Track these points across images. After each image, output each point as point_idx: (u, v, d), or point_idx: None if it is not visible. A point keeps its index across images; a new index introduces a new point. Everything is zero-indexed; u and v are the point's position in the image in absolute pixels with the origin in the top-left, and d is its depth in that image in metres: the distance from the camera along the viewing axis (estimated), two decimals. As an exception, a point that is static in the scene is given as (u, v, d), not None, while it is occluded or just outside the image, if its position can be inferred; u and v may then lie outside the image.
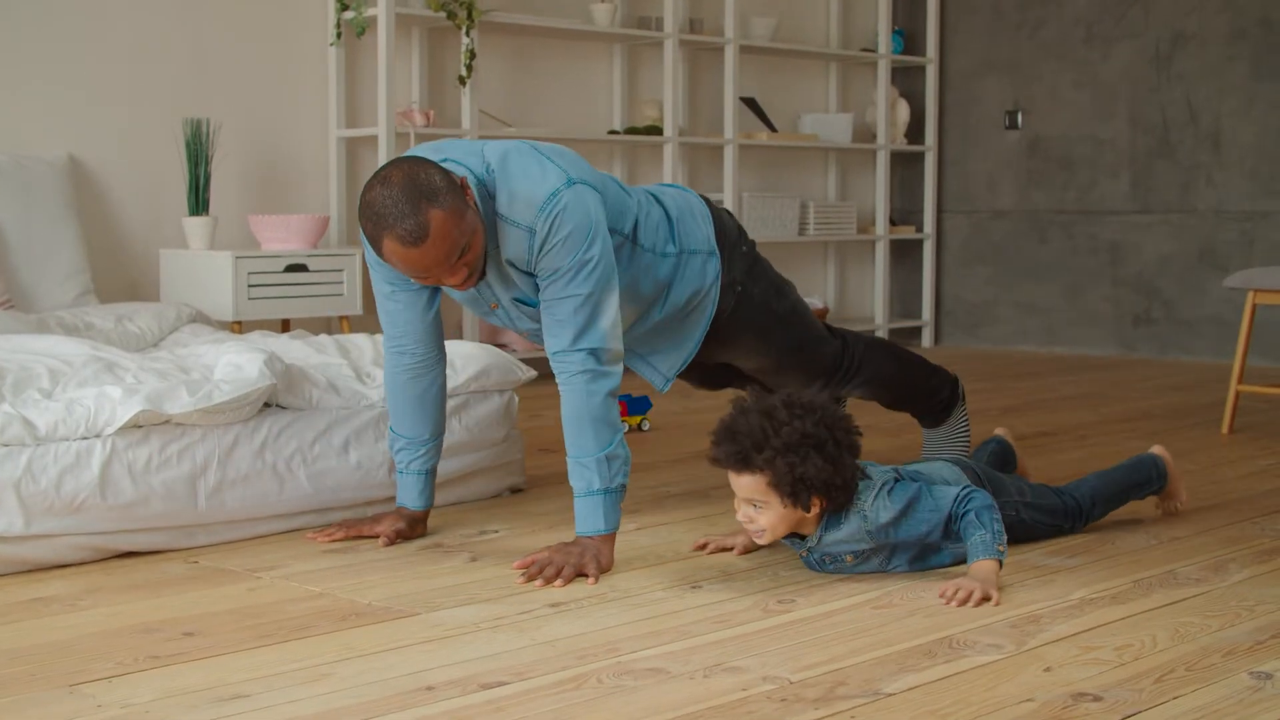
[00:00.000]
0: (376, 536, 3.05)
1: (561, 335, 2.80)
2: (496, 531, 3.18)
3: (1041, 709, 2.03)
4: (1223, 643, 2.34)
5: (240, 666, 2.22)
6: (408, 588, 2.69)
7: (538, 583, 2.70)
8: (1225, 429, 4.54)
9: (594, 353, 2.79)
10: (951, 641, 2.34)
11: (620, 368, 2.85)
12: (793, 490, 2.61)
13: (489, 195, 2.77)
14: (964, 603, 2.54)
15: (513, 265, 2.82)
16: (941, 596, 2.58)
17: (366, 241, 2.72)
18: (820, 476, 2.60)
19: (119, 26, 4.90)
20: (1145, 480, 3.18)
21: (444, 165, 2.75)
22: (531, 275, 2.83)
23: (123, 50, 4.91)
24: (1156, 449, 3.24)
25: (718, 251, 3.16)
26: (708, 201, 3.26)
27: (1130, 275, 6.79)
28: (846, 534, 2.70)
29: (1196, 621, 2.46)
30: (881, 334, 7.13)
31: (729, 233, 3.24)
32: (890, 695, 2.08)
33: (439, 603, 2.59)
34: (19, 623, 2.48)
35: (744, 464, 2.63)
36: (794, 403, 2.64)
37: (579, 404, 2.79)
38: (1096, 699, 2.06)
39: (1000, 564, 2.64)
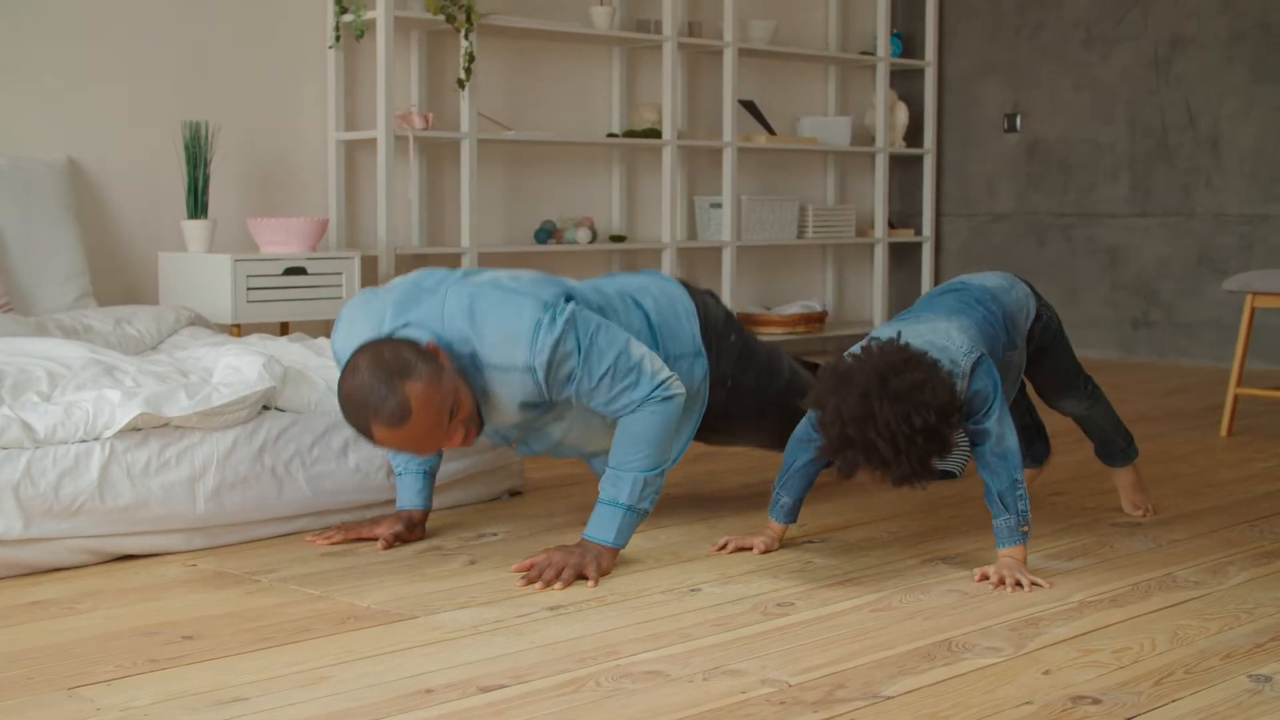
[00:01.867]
0: (375, 539, 3.05)
1: (622, 404, 2.81)
2: (495, 534, 3.18)
3: (1040, 712, 2.03)
4: (1221, 645, 2.34)
5: (239, 669, 2.22)
6: (407, 590, 2.69)
7: (538, 585, 2.71)
8: (1224, 432, 4.54)
9: (654, 392, 2.82)
10: (950, 644, 2.34)
11: (681, 385, 2.87)
12: (901, 480, 2.61)
13: (467, 353, 2.74)
14: (1016, 588, 2.65)
15: (527, 405, 2.81)
16: (984, 580, 2.69)
17: (360, 434, 2.70)
18: (931, 477, 2.60)
19: (118, 29, 4.90)
20: (1121, 438, 3.31)
21: (407, 331, 2.74)
22: (548, 403, 2.83)
23: (122, 53, 4.91)
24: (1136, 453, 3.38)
25: (704, 351, 3.10)
26: (690, 291, 3.18)
27: (1129, 278, 6.79)
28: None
29: (1195, 624, 2.46)
30: (880, 337, 7.12)
31: (715, 324, 3.16)
32: (889, 698, 2.08)
33: (438, 605, 2.59)
34: (18, 626, 2.48)
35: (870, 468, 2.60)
36: (895, 435, 2.51)
37: (640, 423, 2.82)
38: (1095, 702, 2.06)
39: (1023, 549, 2.74)
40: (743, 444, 3.44)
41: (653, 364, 2.85)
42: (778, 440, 3.26)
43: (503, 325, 2.73)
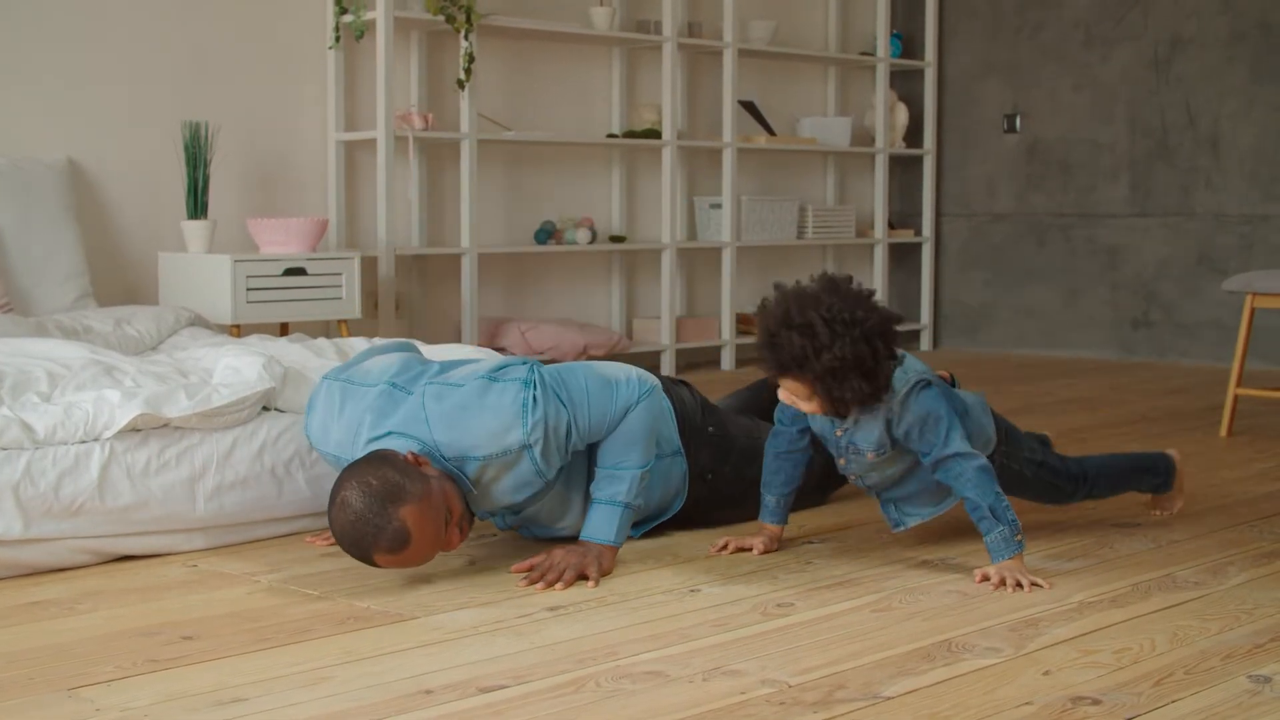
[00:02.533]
0: (375, 540, 3.05)
1: (619, 414, 2.84)
2: (495, 535, 3.17)
3: (1040, 712, 2.03)
4: (1221, 646, 2.34)
5: (239, 670, 2.22)
6: (407, 591, 2.69)
7: (539, 585, 2.71)
8: (1224, 432, 4.54)
9: (641, 393, 2.85)
10: (950, 645, 2.34)
11: (656, 383, 2.90)
12: (832, 405, 2.68)
13: (460, 457, 2.72)
14: (1017, 588, 2.65)
15: (521, 489, 2.80)
16: (984, 581, 2.69)
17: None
18: (858, 396, 2.65)
19: (118, 29, 4.90)
20: (1151, 469, 3.21)
21: (388, 440, 2.73)
22: (546, 486, 2.84)
23: (122, 53, 4.91)
24: (1172, 451, 3.29)
25: (682, 450, 3.09)
26: (665, 388, 3.14)
27: (1129, 278, 6.80)
28: (877, 426, 2.76)
29: (1195, 625, 2.46)
30: (880, 337, 7.12)
31: (691, 419, 3.14)
32: (889, 699, 2.08)
33: (438, 606, 2.59)
34: (18, 626, 2.48)
35: (784, 373, 2.66)
36: (835, 319, 2.60)
37: (630, 423, 2.83)
38: (1095, 702, 2.06)
39: (1021, 557, 2.73)
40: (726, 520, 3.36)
41: (621, 370, 2.88)
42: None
43: (491, 417, 2.71)
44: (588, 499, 2.94)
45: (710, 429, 3.17)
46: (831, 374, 2.61)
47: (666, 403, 3.09)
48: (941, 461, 2.73)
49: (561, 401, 2.76)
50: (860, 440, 2.78)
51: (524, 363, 2.82)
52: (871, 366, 2.62)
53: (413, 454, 2.67)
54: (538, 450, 2.73)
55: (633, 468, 2.84)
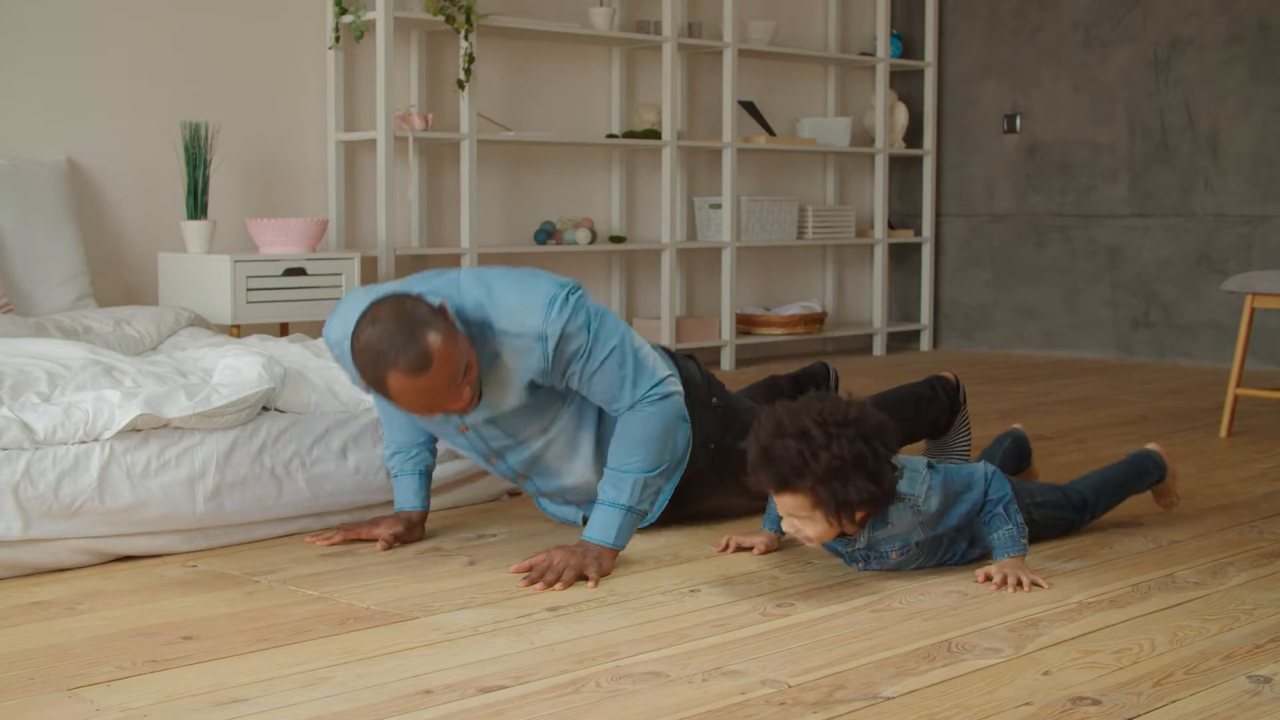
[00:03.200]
0: (375, 540, 3.05)
1: (621, 396, 2.83)
2: (495, 535, 3.18)
3: (1040, 712, 2.03)
4: (1221, 646, 2.34)
5: (239, 670, 2.22)
6: (406, 591, 2.69)
7: (538, 586, 2.71)
8: (1224, 432, 4.54)
9: (653, 389, 2.83)
10: (950, 645, 2.34)
11: (680, 388, 2.88)
12: (837, 512, 2.60)
13: (479, 320, 2.74)
14: (1017, 587, 2.65)
15: (533, 386, 2.81)
16: (986, 581, 2.68)
17: (372, 389, 2.67)
18: (863, 496, 2.59)
19: (117, 29, 4.90)
20: (1144, 472, 3.21)
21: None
22: (541, 390, 2.82)
23: (121, 53, 4.91)
24: (1151, 445, 3.28)
25: (687, 417, 3.07)
26: (672, 357, 3.14)
27: (1128, 279, 6.80)
28: (900, 528, 2.72)
29: (1195, 625, 2.46)
30: (879, 338, 7.14)
31: (697, 389, 3.13)
32: (889, 699, 2.08)
33: (437, 606, 2.59)
34: (17, 627, 2.48)
35: (785, 486, 2.60)
36: (828, 421, 2.57)
37: (638, 424, 2.83)
38: (1095, 703, 2.06)
39: (1024, 558, 2.74)
40: (728, 503, 3.31)
41: (654, 361, 2.86)
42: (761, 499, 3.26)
43: (518, 294, 2.75)
44: (598, 450, 2.95)
45: (715, 400, 3.18)
46: (834, 475, 2.56)
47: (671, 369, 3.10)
48: (984, 504, 2.75)
49: (588, 328, 2.77)
50: (884, 546, 2.76)
51: (571, 280, 2.83)
52: (874, 467, 2.58)
53: (444, 304, 2.68)
54: (551, 345, 2.73)
55: (636, 471, 2.83)
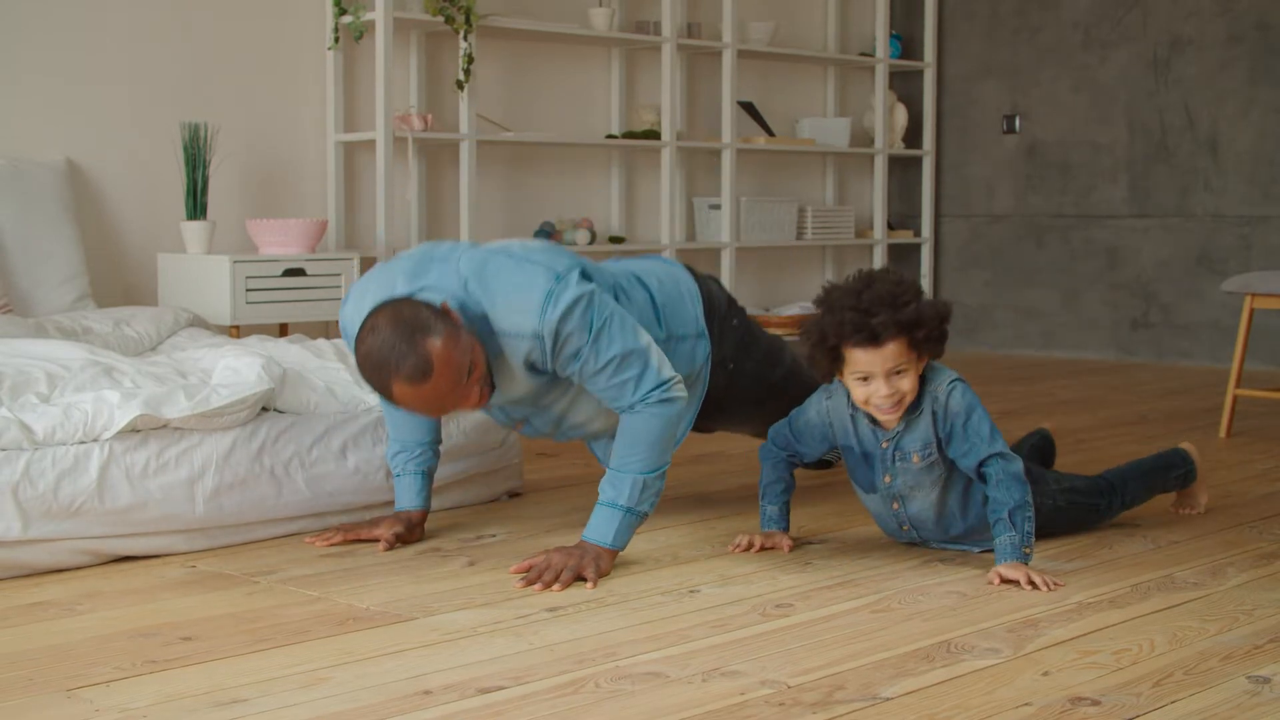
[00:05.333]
0: (375, 540, 3.05)
1: (623, 395, 2.82)
2: (494, 536, 3.17)
3: (1039, 713, 2.03)
4: (1220, 647, 2.34)
5: (238, 671, 2.22)
6: (406, 592, 2.69)
7: (537, 586, 2.70)
8: (1223, 433, 4.54)
9: (657, 389, 2.83)
10: (949, 646, 2.34)
11: (684, 389, 2.88)
12: (925, 339, 2.72)
13: (479, 315, 2.74)
14: (1030, 586, 2.66)
15: (533, 367, 2.81)
16: (1000, 583, 2.69)
17: (379, 394, 2.70)
18: (942, 324, 2.75)
19: (117, 30, 4.90)
20: (1170, 465, 3.24)
21: (422, 294, 2.74)
22: (548, 374, 2.83)
23: (121, 54, 4.91)
24: (1185, 445, 3.31)
25: (706, 333, 3.10)
26: (694, 275, 3.19)
27: (1128, 279, 6.80)
28: (924, 422, 2.79)
29: (1194, 625, 2.46)
30: (879, 338, 7.12)
31: (718, 308, 3.17)
32: (888, 699, 2.08)
33: (437, 607, 2.58)
34: (17, 627, 2.47)
35: (880, 334, 2.70)
36: (891, 279, 2.76)
37: (640, 425, 2.82)
38: (1094, 703, 2.06)
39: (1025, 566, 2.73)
40: (740, 429, 3.43)
41: (660, 362, 2.85)
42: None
43: (514, 292, 2.74)
44: None
45: (735, 321, 3.20)
46: (928, 303, 2.72)
47: (693, 287, 3.15)
48: (985, 461, 2.76)
49: (591, 324, 2.75)
50: (908, 443, 2.81)
51: (576, 263, 2.82)
52: (933, 308, 2.73)
53: (446, 304, 2.69)
54: (548, 343, 2.74)
55: (635, 472, 2.83)
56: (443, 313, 2.66)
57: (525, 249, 2.85)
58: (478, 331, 2.73)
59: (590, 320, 2.75)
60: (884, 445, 2.84)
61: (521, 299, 2.73)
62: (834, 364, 2.79)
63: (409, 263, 2.85)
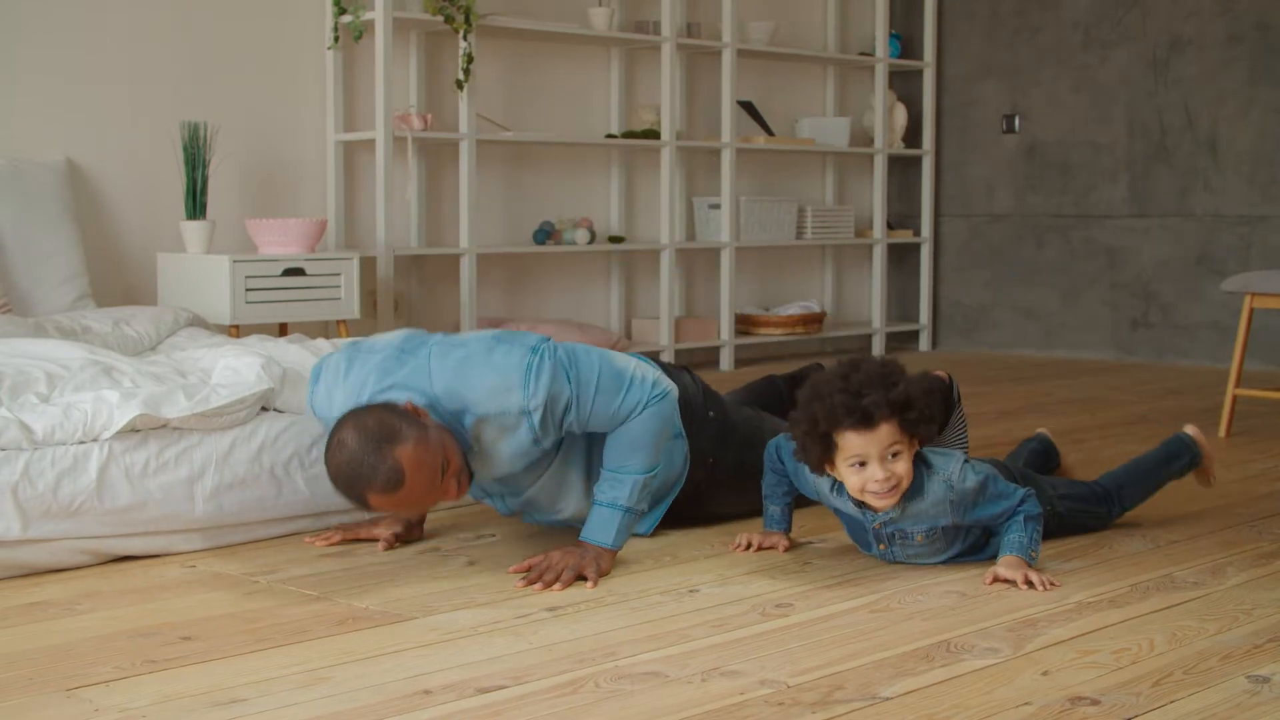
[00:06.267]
0: (374, 540, 3.05)
1: (619, 415, 2.83)
2: (494, 536, 3.18)
3: (1039, 713, 2.03)
4: (1220, 646, 2.34)
5: (237, 670, 2.22)
6: (405, 592, 2.69)
7: (537, 586, 2.71)
8: (1223, 433, 4.54)
9: (651, 395, 2.84)
10: (949, 645, 2.34)
11: (671, 388, 2.88)
12: (917, 419, 2.65)
13: (460, 409, 2.73)
14: (1026, 585, 2.65)
15: (518, 457, 2.81)
16: (999, 583, 2.68)
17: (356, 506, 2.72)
18: (936, 414, 2.70)
19: (116, 30, 4.90)
20: (1174, 455, 3.22)
21: (389, 394, 2.74)
22: (538, 449, 2.82)
23: (121, 54, 4.91)
24: (1189, 428, 3.30)
25: (683, 433, 3.08)
26: (667, 371, 3.12)
27: (1128, 279, 6.80)
28: (931, 503, 2.74)
29: (1194, 625, 2.46)
30: (878, 338, 7.14)
31: (694, 404, 3.13)
32: (888, 699, 2.08)
33: (436, 607, 2.58)
34: (16, 627, 2.48)
35: (872, 416, 2.63)
36: (876, 362, 2.70)
37: (639, 426, 2.83)
38: (1094, 703, 2.06)
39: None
40: (722, 511, 3.31)
41: (637, 370, 2.87)
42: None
43: (494, 374, 2.73)
44: (588, 480, 2.96)
45: (711, 414, 3.17)
46: (920, 390, 2.65)
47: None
48: (1013, 514, 2.77)
49: (568, 378, 2.76)
50: (909, 526, 2.78)
51: (540, 336, 2.84)
52: (925, 399, 2.67)
53: (411, 404, 2.69)
54: (537, 418, 2.73)
55: (635, 472, 2.84)
56: (408, 414, 2.66)
57: (494, 335, 2.83)
58: (449, 425, 2.73)
59: (565, 372, 2.77)
60: (876, 526, 2.81)
61: (502, 380, 2.73)
62: (826, 452, 2.68)
63: (380, 358, 2.84)
